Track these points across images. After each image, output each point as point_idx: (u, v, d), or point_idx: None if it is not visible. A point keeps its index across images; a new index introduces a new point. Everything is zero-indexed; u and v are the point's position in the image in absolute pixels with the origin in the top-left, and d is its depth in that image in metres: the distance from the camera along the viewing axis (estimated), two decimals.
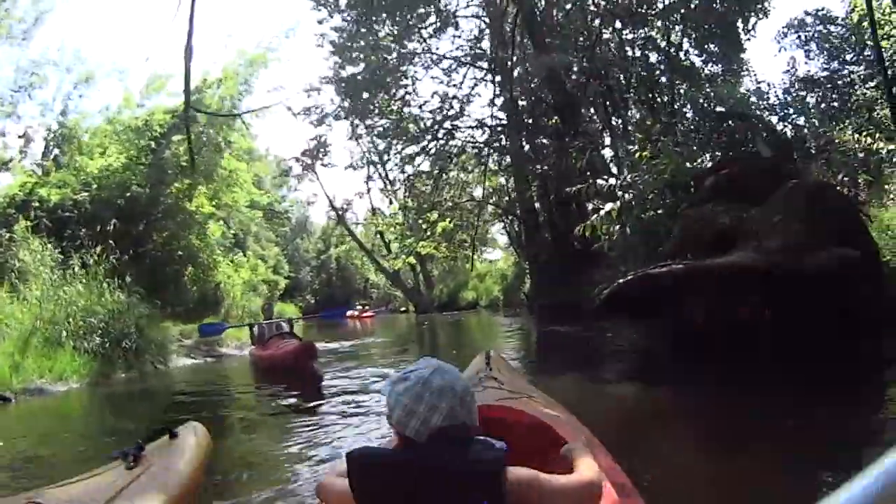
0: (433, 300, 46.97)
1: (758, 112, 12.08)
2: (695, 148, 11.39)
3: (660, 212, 10.98)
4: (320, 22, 26.36)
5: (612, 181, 11.75)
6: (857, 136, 12.14)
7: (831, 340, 7.65)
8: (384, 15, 24.90)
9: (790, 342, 7.89)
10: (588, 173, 12.15)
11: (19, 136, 28.85)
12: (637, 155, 11.80)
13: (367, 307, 56.27)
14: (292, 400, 10.09)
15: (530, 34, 23.11)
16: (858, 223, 9.16)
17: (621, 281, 9.76)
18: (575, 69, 23.00)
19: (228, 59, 25.09)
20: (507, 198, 33.09)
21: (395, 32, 25.56)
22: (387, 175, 38.46)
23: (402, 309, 55.86)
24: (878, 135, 12.27)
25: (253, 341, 14.40)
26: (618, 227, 11.57)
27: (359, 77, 26.53)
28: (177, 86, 34.96)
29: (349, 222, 56.71)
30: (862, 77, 15.74)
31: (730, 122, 11.79)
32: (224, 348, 18.86)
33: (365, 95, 27.32)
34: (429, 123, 28.88)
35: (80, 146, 24.38)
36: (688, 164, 11.09)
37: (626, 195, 11.17)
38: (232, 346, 19.06)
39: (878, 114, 13.89)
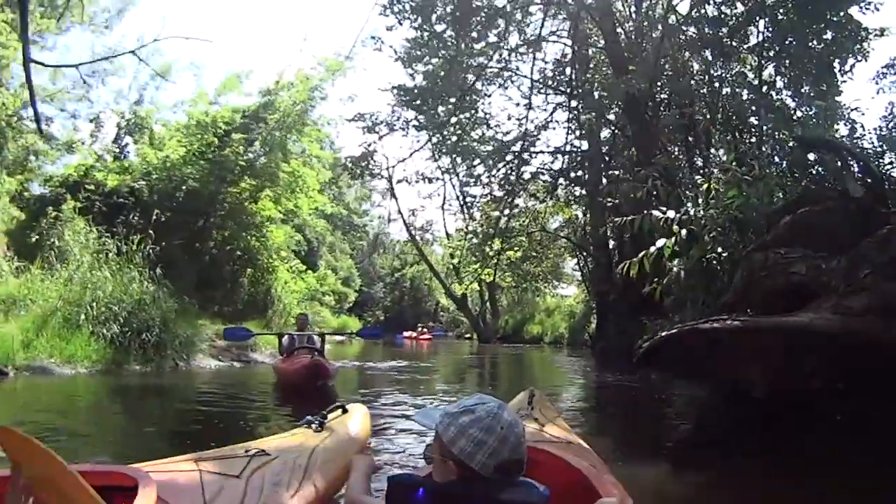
0: (497, 330, 45.55)
1: (849, 144, 10.45)
2: (771, 181, 9.69)
3: (723, 254, 9.37)
4: (389, 28, 25.18)
5: (671, 213, 10.15)
6: None
7: None
8: (453, 26, 23.77)
9: (865, 429, 6.52)
10: (660, 208, 10.58)
11: (90, 120, 29.24)
12: (705, 187, 10.25)
13: (424, 329, 55.08)
14: (290, 418, 8.78)
15: (611, 58, 21.80)
16: None
17: (664, 334, 8.26)
18: (656, 98, 21.56)
19: (303, 63, 24.81)
20: (581, 231, 31.43)
21: (467, 46, 24.28)
22: (463, 197, 36.96)
23: (467, 335, 54.56)
24: None
25: (280, 351, 13.36)
26: (675, 268, 9.98)
27: (426, 86, 25.49)
28: (251, 86, 34.90)
29: (426, 242, 56.09)
30: None
31: (815, 152, 10.02)
32: (257, 354, 17.97)
33: (440, 110, 26.17)
34: (502, 146, 27.47)
35: (151, 136, 24.50)
36: (760, 200, 9.47)
37: (684, 231, 9.58)
38: (266, 353, 18.01)
39: None
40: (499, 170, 28.19)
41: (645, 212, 10.60)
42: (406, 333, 50.62)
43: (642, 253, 10.11)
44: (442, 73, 24.66)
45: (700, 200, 10.36)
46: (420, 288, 77.01)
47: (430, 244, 63.76)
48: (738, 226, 9.33)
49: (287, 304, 25.42)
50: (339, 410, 4.46)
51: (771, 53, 21.40)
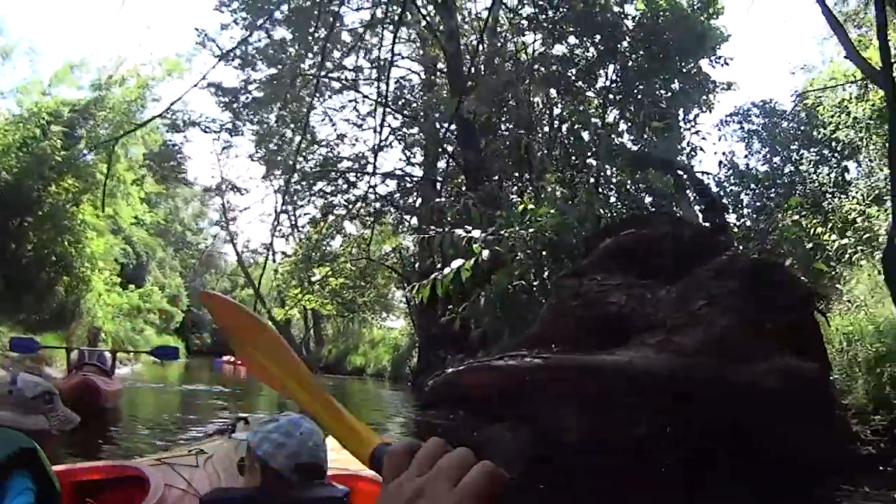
0: (320, 359, 42.82)
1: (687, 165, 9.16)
2: (595, 203, 8.05)
3: (535, 281, 7.60)
4: (225, 27, 22.45)
5: (476, 233, 8.28)
6: (803, 223, 9.29)
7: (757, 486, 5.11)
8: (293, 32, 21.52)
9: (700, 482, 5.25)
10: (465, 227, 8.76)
11: None
12: (521, 207, 8.52)
13: None
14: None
15: (451, 82, 20.29)
16: (813, 325, 5.91)
17: (450, 370, 6.44)
18: (494, 127, 20.20)
19: (141, 58, 22.69)
20: (408, 261, 29.40)
21: (301, 55, 22.06)
22: (294, 217, 33.99)
23: None
24: (829, 225, 9.57)
25: (69, 367, 11.61)
26: (481, 295, 8.12)
27: (248, 89, 22.91)
28: (85, 78, 31.55)
29: (257, 265, 52.67)
30: (810, 170, 13.30)
31: (649, 169, 8.49)
32: (52, 368, 15.61)
33: (270, 118, 23.58)
34: (326, 163, 25.15)
35: None
36: (581, 222, 7.81)
37: (486, 252, 7.73)
38: (61, 368, 15.21)
39: (828, 204, 11.30)
40: (323, 191, 25.63)
41: (446, 229, 8.74)
42: (226, 357, 47.43)
43: (434, 275, 8.21)
44: (273, 81, 22.22)
45: (514, 222, 8.56)
46: None
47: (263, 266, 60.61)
48: (553, 249, 7.61)
49: (100, 317, 23.63)
50: (243, 422, 4.79)
51: (617, 98, 21.03)
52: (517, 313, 7.84)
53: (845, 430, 6.46)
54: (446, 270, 7.96)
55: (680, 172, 7.52)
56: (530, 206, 8.51)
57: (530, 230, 7.82)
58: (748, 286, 5.49)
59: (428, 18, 22.03)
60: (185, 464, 3.67)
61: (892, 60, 7.68)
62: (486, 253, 7.76)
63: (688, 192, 7.60)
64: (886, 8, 8.79)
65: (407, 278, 29.74)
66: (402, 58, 25.43)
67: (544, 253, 7.75)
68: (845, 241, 9.77)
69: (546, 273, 7.67)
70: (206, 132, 26.08)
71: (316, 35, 22.17)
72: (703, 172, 10.73)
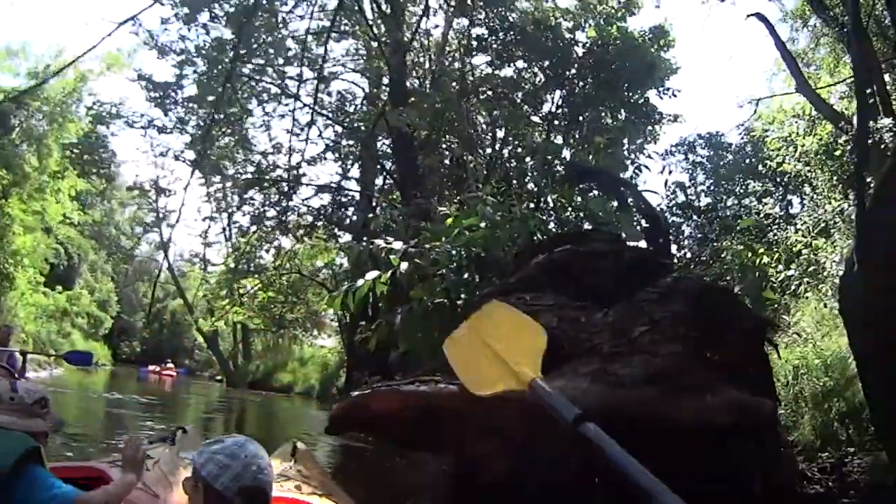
0: (247, 375, 41.13)
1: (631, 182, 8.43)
2: (530, 219, 7.19)
3: (458, 299, 6.68)
4: (166, 21, 20.97)
5: (397, 244, 7.34)
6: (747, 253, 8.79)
7: None
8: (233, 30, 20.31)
9: None
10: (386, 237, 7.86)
11: None
12: (450, 220, 7.60)
13: (170, 365, 49.70)
14: None
15: (392, 94, 19.48)
16: (763, 356, 5.14)
17: (356, 394, 5.48)
18: (435, 144, 19.40)
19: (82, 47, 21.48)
20: (340, 277, 28.14)
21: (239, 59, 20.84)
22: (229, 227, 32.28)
23: (218, 378, 49.36)
24: (775, 256, 9.08)
25: None
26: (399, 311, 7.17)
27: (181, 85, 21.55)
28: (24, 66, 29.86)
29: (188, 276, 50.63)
30: (754, 203, 12.85)
31: (590, 184, 7.66)
32: None
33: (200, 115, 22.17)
34: (259, 171, 23.63)
35: None
36: (513, 239, 6.96)
37: (405, 265, 6.78)
38: None
39: (773, 235, 10.80)
40: (253, 199, 24.22)
41: (365, 240, 7.82)
42: (151, 367, 45.92)
43: (345, 287, 7.29)
44: (207, 80, 20.94)
45: (440, 235, 7.63)
46: (181, 322, 70.58)
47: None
48: (480, 265, 6.72)
49: (21, 317, 23.02)
50: (181, 431, 5.29)
51: (562, 124, 20.68)
52: (440, 333, 6.91)
53: (792, 468, 5.98)
54: (360, 282, 7.05)
55: (623, 189, 6.69)
56: (459, 218, 7.61)
57: (457, 244, 6.92)
58: (694, 312, 4.69)
59: (374, 30, 21.17)
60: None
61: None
62: (404, 265, 6.82)
63: (630, 210, 6.80)
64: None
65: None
66: (348, 70, 24.55)
67: (470, 269, 6.84)
68: (791, 272, 9.35)
69: (472, 291, 6.76)
70: (131, 126, 24.29)
71: (259, 38, 21.22)
72: (648, 191, 10.13)
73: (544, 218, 8.32)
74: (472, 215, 6.99)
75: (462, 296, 6.68)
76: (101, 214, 52.99)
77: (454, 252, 6.83)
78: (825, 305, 8.91)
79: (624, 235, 6.42)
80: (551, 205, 8.35)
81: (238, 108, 21.16)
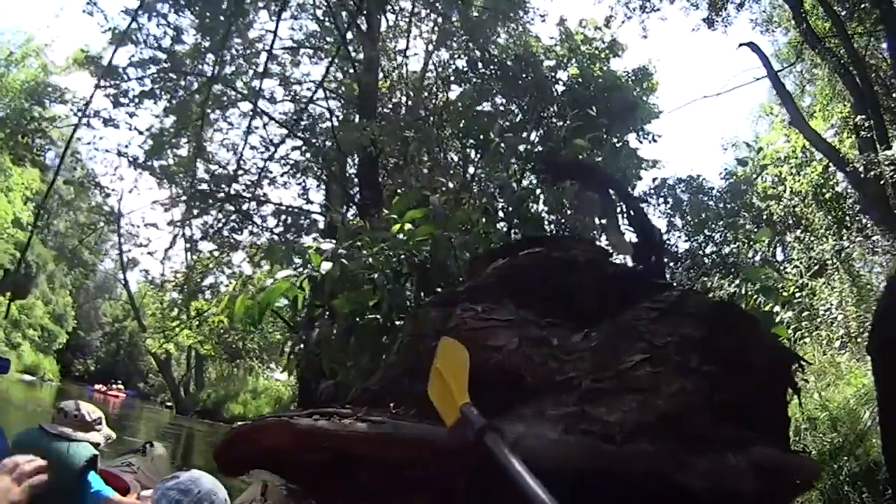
0: (196, 403, 38.88)
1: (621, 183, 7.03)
2: (490, 220, 5.76)
3: (395, 312, 5.16)
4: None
5: (326, 244, 5.79)
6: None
7: None
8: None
9: None
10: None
11: None
12: (395, 225, 6.10)
13: (117, 386, 47.51)
14: None
15: (360, 110, 18.12)
16: (782, 402, 3.68)
17: (240, 424, 3.90)
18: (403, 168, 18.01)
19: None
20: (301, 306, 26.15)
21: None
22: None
23: (168, 404, 46.84)
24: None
25: None
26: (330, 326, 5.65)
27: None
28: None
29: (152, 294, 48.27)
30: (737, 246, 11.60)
31: (571, 181, 6.14)
32: None
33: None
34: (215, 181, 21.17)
35: None
36: (471, 246, 5.49)
37: (327, 265, 5.23)
38: None
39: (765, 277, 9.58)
40: (208, 214, 22.19)
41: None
42: (98, 386, 44.04)
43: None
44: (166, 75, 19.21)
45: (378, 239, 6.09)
46: (138, 344, 67.95)
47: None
48: (424, 274, 5.21)
49: None
50: (150, 445, 5.39)
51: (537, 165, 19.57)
52: (372, 357, 5.38)
53: None
54: (268, 282, 5.57)
55: (610, 190, 5.17)
56: (400, 202, 6.09)
57: (396, 247, 5.40)
58: (708, 338, 3.26)
59: (351, 49, 19.88)
60: (128, 471, 4.74)
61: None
62: (326, 265, 5.29)
63: (616, 217, 5.35)
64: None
65: (293, 326, 26.60)
66: (321, 89, 23.10)
67: (411, 277, 5.33)
68: (788, 315, 8.16)
69: (411, 304, 5.24)
70: (62, 103, 21.85)
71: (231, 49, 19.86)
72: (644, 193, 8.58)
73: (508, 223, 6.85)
74: (419, 208, 5.49)
75: (397, 310, 5.15)
76: (65, 225, 50.62)
77: (392, 255, 5.35)
78: (823, 353, 7.84)
79: (608, 247, 4.97)
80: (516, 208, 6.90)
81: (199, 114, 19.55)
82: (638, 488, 2.79)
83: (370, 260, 5.40)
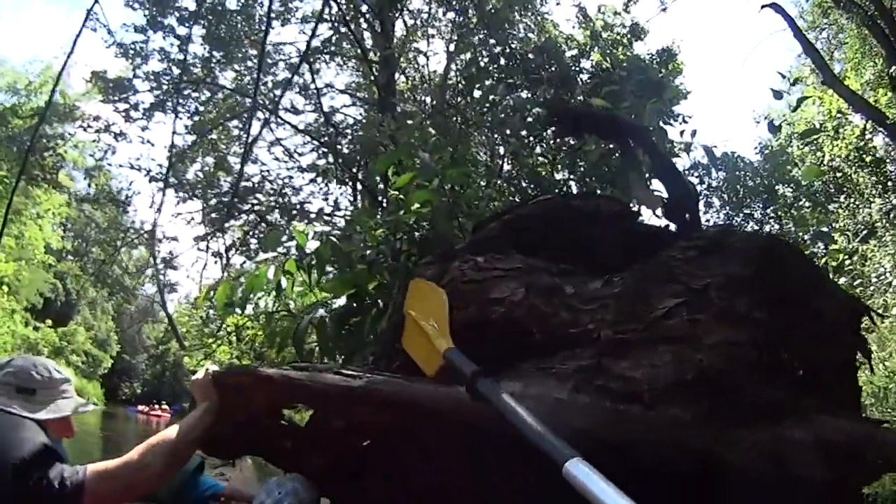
0: None
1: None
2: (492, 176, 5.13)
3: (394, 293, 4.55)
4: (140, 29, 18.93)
5: (319, 227, 5.21)
6: None
7: None
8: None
9: None
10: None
11: None
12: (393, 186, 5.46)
13: (159, 406, 47.65)
14: None
15: (381, 111, 17.58)
16: (851, 366, 2.96)
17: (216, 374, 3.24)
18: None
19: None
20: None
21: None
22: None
23: None
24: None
25: None
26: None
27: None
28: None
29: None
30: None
31: (587, 131, 5.38)
32: None
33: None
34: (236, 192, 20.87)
35: None
36: (473, 203, 4.91)
37: (313, 244, 4.64)
38: None
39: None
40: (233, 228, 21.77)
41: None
42: (140, 407, 44.43)
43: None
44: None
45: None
46: (183, 365, 68.35)
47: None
48: (423, 247, 4.60)
49: None
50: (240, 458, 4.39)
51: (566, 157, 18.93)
52: (357, 340, 4.79)
53: None
54: (248, 265, 5.04)
55: (636, 139, 4.42)
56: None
57: (396, 224, 4.80)
58: (759, 279, 2.59)
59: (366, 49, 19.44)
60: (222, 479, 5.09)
61: None
62: (313, 244, 4.71)
63: (641, 169, 4.63)
64: None
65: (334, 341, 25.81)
66: (341, 92, 22.75)
67: (411, 254, 4.71)
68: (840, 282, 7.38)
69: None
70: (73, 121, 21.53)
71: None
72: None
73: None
74: (423, 187, 4.83)
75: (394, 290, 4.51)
76: (104, 253, 51.11)
77: (390, 233, 4.76)
78: (883, 320, 7.02)
79: (634, 202, 4.30)
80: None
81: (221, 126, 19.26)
82: (668, 465, 2.14)
83: (366, 239, 4.81)
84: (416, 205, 4.61)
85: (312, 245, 4.66)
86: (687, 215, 3.99)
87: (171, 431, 2.28)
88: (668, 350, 2.32)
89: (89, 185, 24.18)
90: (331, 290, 4.80)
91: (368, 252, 4.67)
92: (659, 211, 4.23)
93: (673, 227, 3.70)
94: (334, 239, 4.74)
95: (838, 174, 10.54)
